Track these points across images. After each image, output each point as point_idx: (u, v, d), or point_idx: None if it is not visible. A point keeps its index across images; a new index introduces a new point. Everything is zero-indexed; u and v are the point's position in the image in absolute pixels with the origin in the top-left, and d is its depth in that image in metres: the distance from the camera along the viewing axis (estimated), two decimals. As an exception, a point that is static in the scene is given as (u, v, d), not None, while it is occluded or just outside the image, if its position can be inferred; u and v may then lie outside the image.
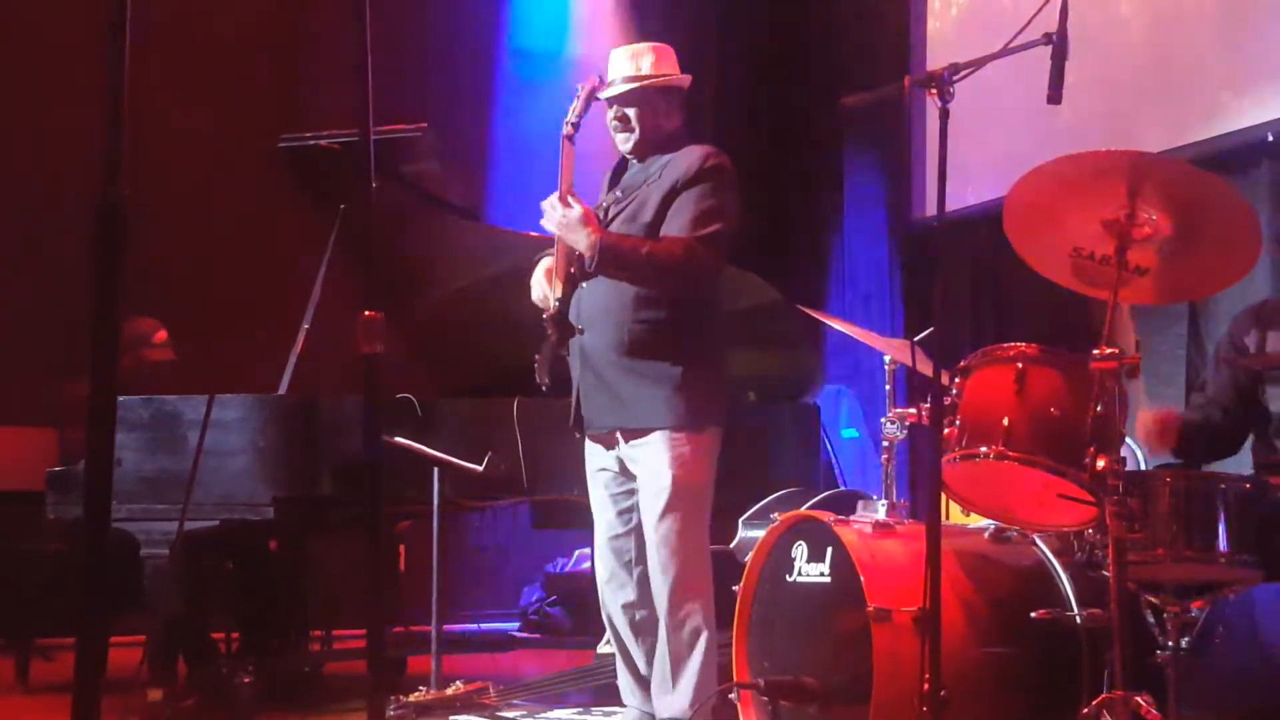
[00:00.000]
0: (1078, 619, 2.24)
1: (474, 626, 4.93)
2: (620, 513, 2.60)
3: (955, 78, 1.99)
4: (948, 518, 2.74)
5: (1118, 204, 2.03)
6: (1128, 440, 2.69)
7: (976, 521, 2.49)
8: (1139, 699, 1.95)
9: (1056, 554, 2.35)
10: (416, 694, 2.91)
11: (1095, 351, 2.03)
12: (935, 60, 5.03)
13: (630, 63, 2.58)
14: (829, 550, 2.32)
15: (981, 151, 4.70)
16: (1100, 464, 2.01)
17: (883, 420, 2.56)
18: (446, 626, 3.26)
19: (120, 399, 3.37)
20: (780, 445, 3.65)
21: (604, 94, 2.57)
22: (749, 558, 2.49)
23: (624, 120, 2.58)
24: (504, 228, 3.61)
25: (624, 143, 2.62)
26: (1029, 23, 1.99)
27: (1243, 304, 2.74)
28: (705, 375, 2.53)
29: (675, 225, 2.50)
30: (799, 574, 2.38)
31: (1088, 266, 2.10)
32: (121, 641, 3.66)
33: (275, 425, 3.18)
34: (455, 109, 5.21)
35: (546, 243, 2.64)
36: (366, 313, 1.42)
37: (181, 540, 3.10)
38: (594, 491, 2.65)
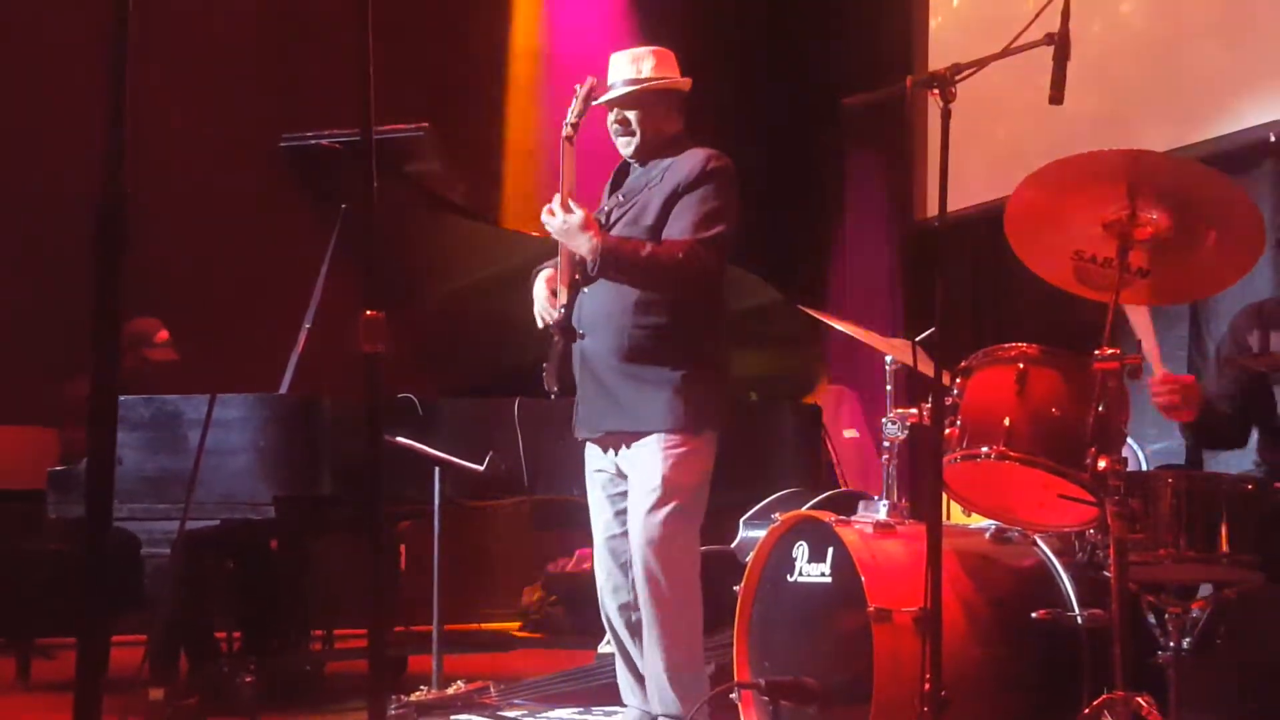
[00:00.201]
0: (1079, 619, 2.24)
1: (474, 628, 4.93)
2: (617, 513, 2.60)
3: (957, 78, 1.99)
4: (949, 518, 2.74)
5: (1119, 204, 2.03)
6: (1129, 441, 2.69)
7: (977, 522, 2.49)
8: (1140, 699, 1.95)
9: (1057, 554, 2.35)
10: (417, 693, 2.92)
11: (1096, 352, 2.03)
12: (938, 58, 5.03)
13: (630, 66, 2.58)
14: (830, 550, 2.32)
15: (983, 152, 4.70)
16: (1101, 464, 2.01)
17: (884, 420, 2.56)
18: (447, 626, 3.26)
19: (121, 398, 3.37)
20: (781, 445, 3.65)
21: (605, 98, 2.57)
22: (750, 558, 2.49)
23: (625, 124, 2.58)
24: (506, 228, 3.60)
25: (625, 146, 2.62)
26: (1031, 23, 1.99)
27: (1243, 304, 2.74)
28: (705, 379, 2.53)
29: (678, 228, 2.50)
30: (800, 574, 2.37)
31: (1089, 269, 2.09)
32: (123, 640, 3.66)
33: (276, 425, 3.18)
34: (462, 108, 5.22)
35: (550, 243, 2.64)
36: (368, 312, 1.42)
37: (183, 539, 3.10)
38: (592, 493, 2.65)
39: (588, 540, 2.72)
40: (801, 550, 2.38)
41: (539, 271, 2.67)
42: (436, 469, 3.11)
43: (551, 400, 2.66)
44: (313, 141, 3.32)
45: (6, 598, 3.69)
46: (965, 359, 2.27)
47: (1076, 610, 2.25)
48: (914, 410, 2.51)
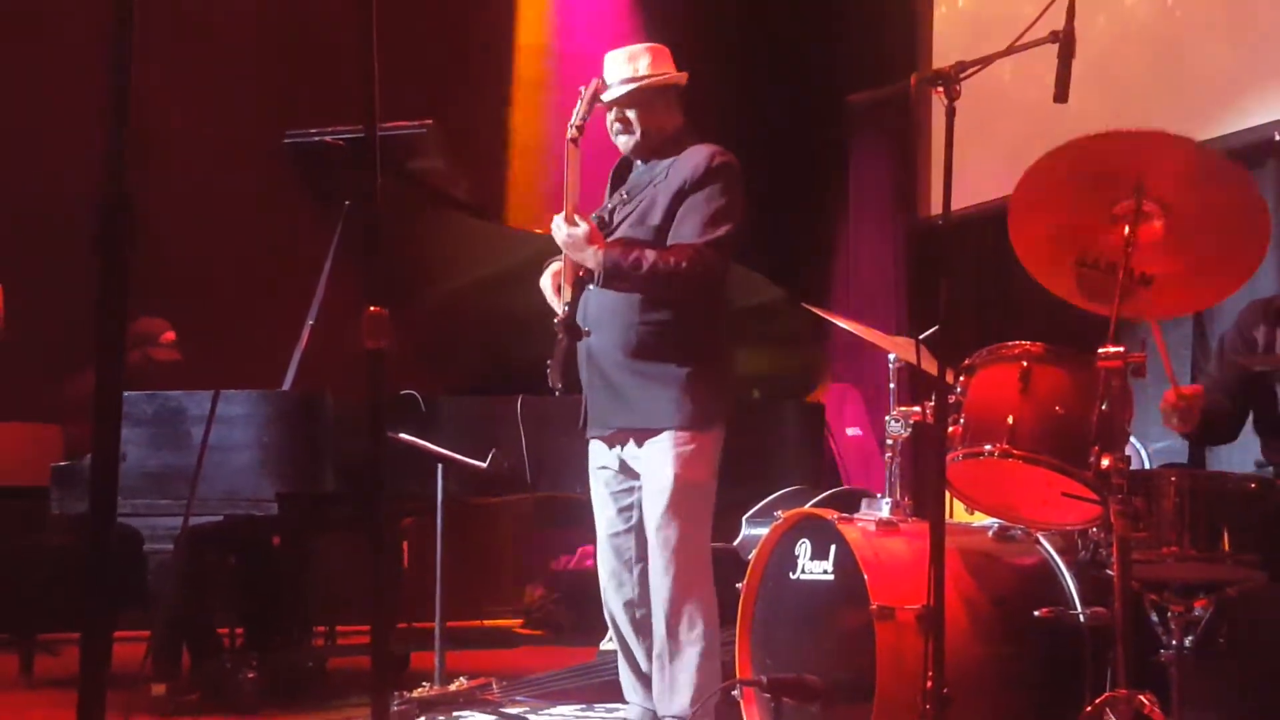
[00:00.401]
0: (1081, 618, 2.23)
1: (476, 624, 4.94)
2: (620, 510, 2.60)
3: (962, 75, 1.99)
4: (952, 516, 2.74)
5: (1122, 192, 2.02)
6: (1132, 440, 2.68)
7: (980, 520, 2.49)
8: (1142, 698, 1.95)
9: (1060, 553, 2.35)
10: (420, 689, 2.92)
11: (1100, 350, 2.02)
12: (942, 56, 5.02)
13: (627, 65, 2.58)
14: (832, 548, 2.32)
15: (987, 150, 4.69)
16: (1105, 463, 2.00)
17: (887, 418, 2.56)
18: (450, 623, 3.26)
19: (125, 394, 3.37)
20: (785, 443, 3.65)
21: (603, 97, 2.56)
22: (752, 555, 2.49)
23: (625, 122, 2.59)
24: (511, 225, 3.61)
25: (625, 145, 2.62)
26: (1036, 20, 1.98)
27: (1247, 300, 2.73)
28: (711, 375, 2.53)
29: (686, 229, 2.50)
30: (802, 572, 2.37)
31: (1092, 277, 2.09)
32: (125, 636, 3.67)
33: (279, 421, 3.18)
34: (468, 105, 5.21)
35: (553, 240, 2.64)
36: (371, 308, 1.42)
37: (185, 535, 3.10)
38: (595, 489, 2.65)
39: (590, 537, 2.72)
40: (804, 548, 2.38)
41: (548, 264, 2.67)
42: (439, 466, 3.11)
43: (554, 397, 2.66)
44: (316, 139, 3.32)
45: (10, 594, 3.69)
46: (969, 357, 2.27)
47: (1079, 609, 2.25)
48: (917, 408, 2.51)
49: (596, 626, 3.11)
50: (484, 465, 3.09)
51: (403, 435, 3.07)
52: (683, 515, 2.47)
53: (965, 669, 2.11)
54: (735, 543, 3.04)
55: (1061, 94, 1.98)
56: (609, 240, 2.53)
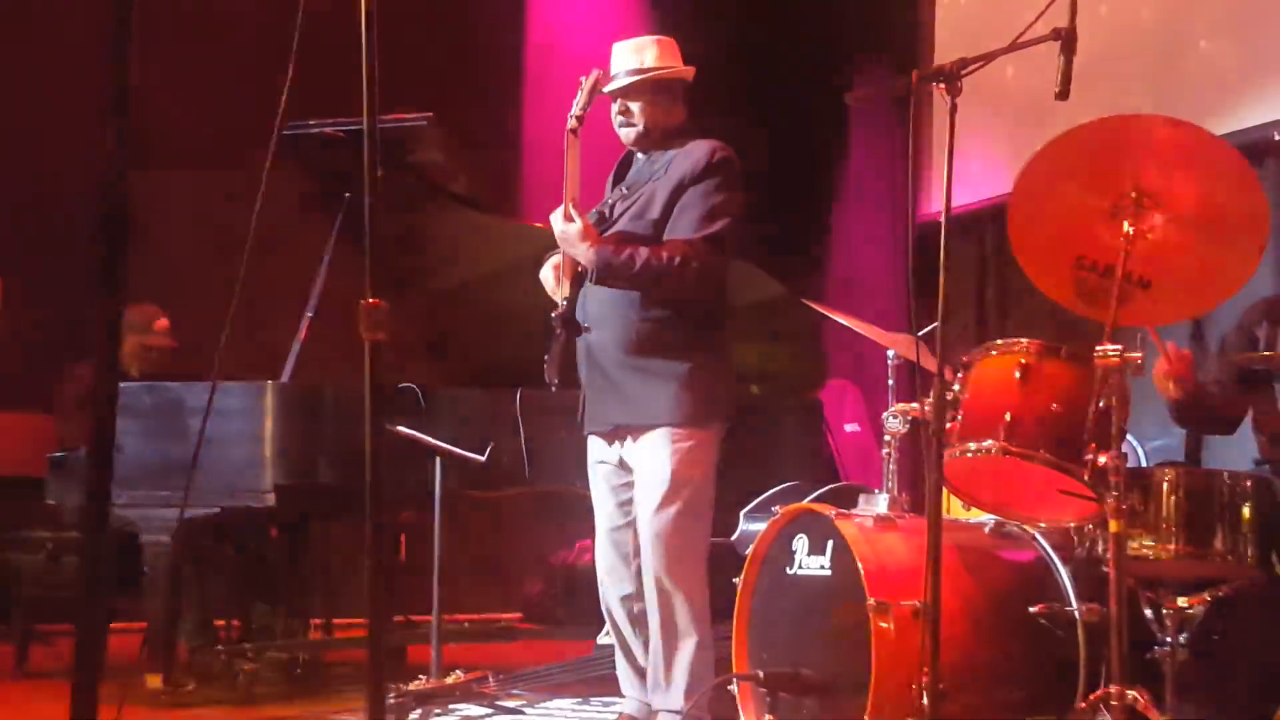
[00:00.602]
0: (1077, 614, 2.24)
1: (474, 618, 4.94)
2: (620, 505, 2.60)
3: (963, 72, 1.98)
4: (949, 512, 2.74)
5: (1121, 182, 2.01)
6: (1128, 438, 2.69)
7: (977, 516, 2.49)
8: (1136, 694, 1.96)
9: (1056, 549, 2.35)
10: (416, 682, 2.92)
11: (1098, 348, 2.03)
12: (943, 53, 5.01)
13: (633, 56, 2.57)
14: (830, 543, 2.32)
15: (988, 147, 4.69)
16: (1102, 460, 2.01)
17: (885, 415, 2.56)
18: (447, 616, 3.27)
19: (122, 385, 3.38)
20: (783, 439, 3.65)
21: (608, 88, 2.56)
22: (750, 550, 2.49)
23: (627, 114, 2.58)
24: (510, 219, 3.60)
25: (628, 137, 2.62)
26: (1038, 18, 1.98)
27: (1245, 298, 2.73)
28: (711, 372, 2.53)
29: (682, 224, 2.50)
30: (800, 567, 2.38)
31: (1090, 280, 2.09)
32: (121, 628, 3.68)
33: (277, 413, 3.18)
34: (479, 99, 5.20)
35: (553, 236, 2.64)
36: (369, 300, 1.42)
37: (182, 527, 3.10)
38: (594, 484, 2.65)
39: (589, 531, 2.73)
40: (801, 543, 2.38)
41: (548, 257, 2.67)
42: (438, 459, 3.11)
43: (553, 392, 2.66)
44: (316, 130, 3.31)
45: (5, 585, 3.69)
46: (967, 354, 2.27)
47: (1074, 605, 2.25)
48: (915, 405, 2.51)
49: (594, 620, 3.11)
50: (482, 459, 3.09)
51: (401, 428, 3.07)
52: (678, 511, 2.48)
53: (960, 664, 2.12)
54: (733, 538, 3.04)
55: (1063, 91, 1.98)
56: (604, 236, 2.53)
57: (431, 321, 3.74)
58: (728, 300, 2.64)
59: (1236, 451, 2.90)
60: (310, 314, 3.35)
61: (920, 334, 2.69)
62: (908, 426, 2.53)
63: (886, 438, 2.55)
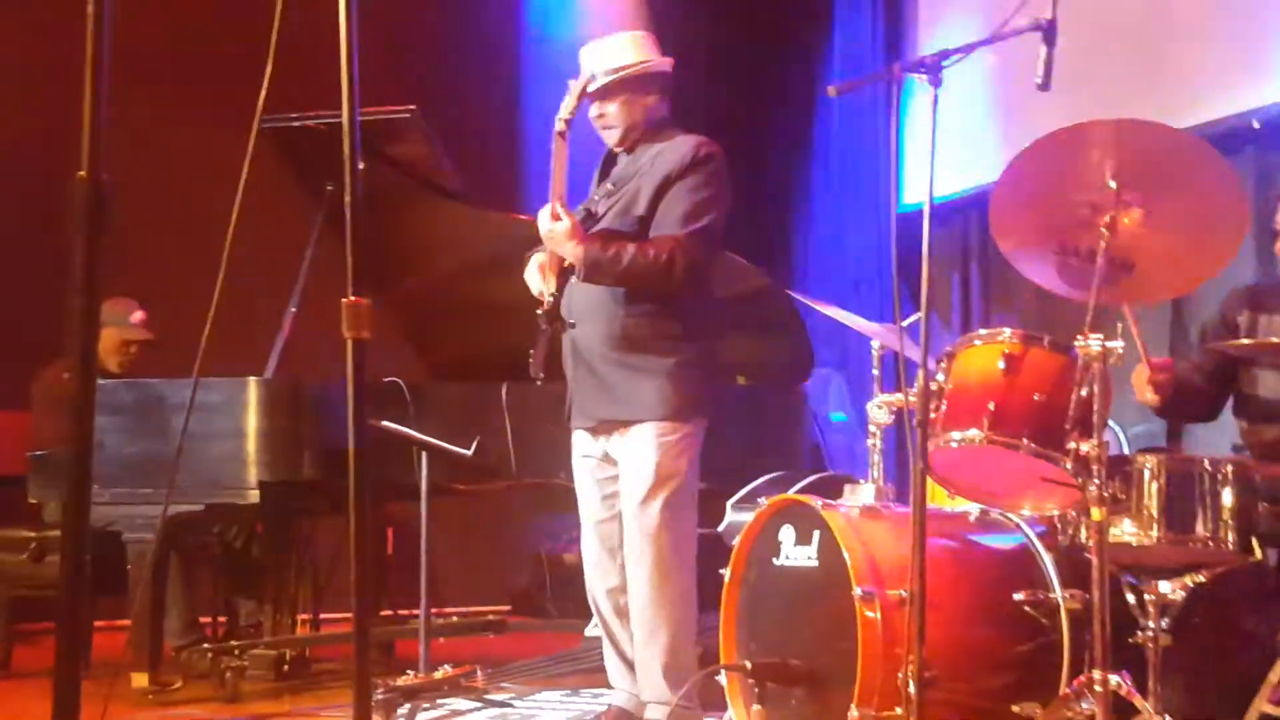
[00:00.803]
0: (1060, 601, 2.26)
1: (462, 610, 4.94)
2: (605, 498, 2.60)
3: (945, 63, 1.99)
4: (933, 501, 2.75)
5: (1101, 181, 2.03)
6: (1110, 423, 2.71)
7: (962, 505, 2.50)
8: (1118, 678, 1.97)
9: (1040, 537, 2.37)
10: (404, 677, 2.92)
11: (1079, 337, 2.04)
12: (926, 43, 5.02)
13: (607, 55, 2.56)
14: (816, 534, 2.33)
15: (970, 137, 4.70)
16: (1083, 448, 2.02)
17: (870, 405, 2.57)
18: (435, 610, 3.26)
19: (103, 382, 3.36)
20: (769, 429, 3.66)
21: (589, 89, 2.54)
22: (737, 541, 2.50)
23: (603, 116, 2.57)
24: (495, 211, 3.59)
25: (609, 139, 2.61)
26: (1019, 8, 1.98)
27: (1225, 288, 2.76)
28: (696, 366, 2.53)
29: (668, 221, 2.50)
30: (786, 557, 2.39)
31: (1071, 265, 2.10)
32: (107, 626, 3.66)
33: (261, 409, 3.17)
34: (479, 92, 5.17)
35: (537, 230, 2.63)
36: (351, 298, 1.42)
37: (166, 524, 3.08)
38: (579, 478, 2.65)
39: (575, 525, 2.73)
40: (788, 534, 2.39)
41: (531, 254, 2.66)
42: (424, 454, 3.10)
43: (540, 385, 2.66)
44: (297, 123, 3.29)
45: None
46: (951, 344, 2.28)
47: (1058, 592, 2.27)
48: (900, 395, 2.52)
49: (581, 613, 3.12)
50: (469, 453, 3.08)
51: (386, 423, 3.06)
52: (663, 504, 2.48)
53: (946, 652, 2.13)
54: (720, 528, 3.05)
55: (1045, 83, 1.99)
56: (591, 234, 2.53)
57: (417, 315, 3.73)
58: (715, 293, 2.64)
59: (1217, 435, 2.93)
60: (293, 308, 3.33)
61: (904, 324, 2.70)
62: (892, 416, 2.54)
63: (871, 428, 2.56)
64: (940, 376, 2.22)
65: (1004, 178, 2.13)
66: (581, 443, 2.64)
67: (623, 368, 2.52)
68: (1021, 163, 2.09)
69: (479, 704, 2.98)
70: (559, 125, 2.49)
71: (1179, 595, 2.11)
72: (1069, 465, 2.05)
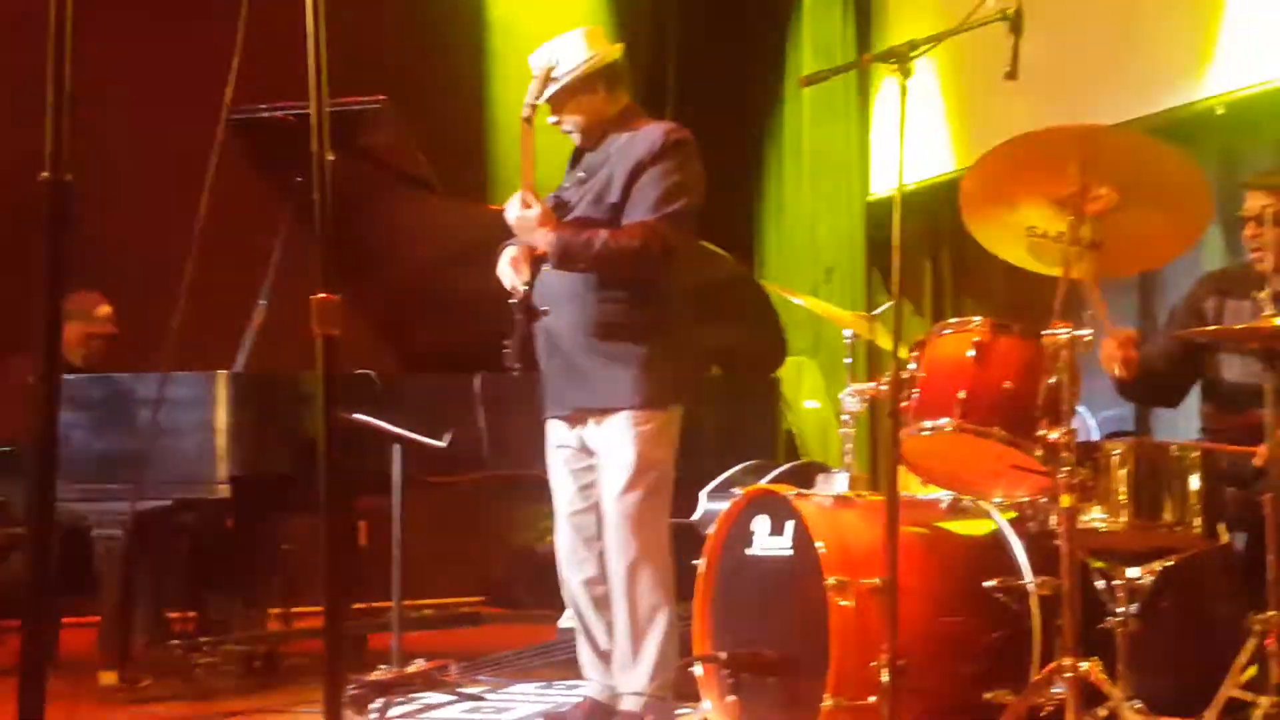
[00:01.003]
0: (1030, 587, 2.28)
1: (436, 602, 4.92)
2: (581, 488, 2.60)
3: (914, 53, 2.00)
4: (906, 489, 2.78)
5: (1069, 180, 2.06)
6: (1079, 408, 2.73)
7: (933, 492, 2.53)
8: (1089, 664, 2.00)
9: (1011, 524, 2.39)
10: (377, 672, 2.90)
11: (1044, 333, 2.06)
12: (895, 33, 5.03)
13: (551, 60, 2.53)
14: (789, 524, 2.34)
15: (940, 125, 4.72)
16: (1053, 435, 2.04)
17: (842, 394, 2.58)
18: (408, 602, 3.24)
19: (71, 376, 3.30)
20: (742, 418, 3.66)
21: (528, 100, 2.51)
22: (710, 531, 2.50)
23: (564, 121, 2.57)
24: (467, 201, 3.56)
25: (575, 138, 2.61)
26: (986, -2, 1.99)
27: (1193, 274, 2.80)
28: (670, 353, 2.53)
29: (640, 207, 2.49)
30: (760, 547, 2.39)
31: (1043, 245, 2.13)
32: (74, 623, 3.61)
33: (230, 403, 3.13)
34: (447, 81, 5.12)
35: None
36: (320, 294, 1.40)
37: (134, 520, 3.04)
38: (554, 468, 2.64)
39: (550, 516, 2.72)
40: (762, 524, 2.40)
41: (503, 247, 2.64)
42: (397, 445, 3.08)
43: (513, 376, 2.64)
44: (266, 115, 3.25)
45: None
46: (923, 333, 2.30)
47: (1028, 578, 2.29)
48: (872, 383, 2.53)
49: (556, 605, 3.11)
50: (442, 445, 3.06)
51: (358, 415, 3.04)
52: (640, 493, 2.48)
53: (919, 640, 2.15)
54: (694, 518, 3.05)
55: (1012, 72, 2.00)
56: (563, 221, 2.51)
57: (389, 307, 3.70)
58: (686, 281, 2.64)
59: (1184, 420, 2.97)
60: (263, 301, 3.30)
61: (876, 313, 2.71)
62: (865, 405, 2.55)
63: (844, 417, 2.57)
64: (912, 365, 2.23)
65: (970, 177, 2.15)
66: (556, 433, 2.63)
67: (597, 355, 2.51)
68: (989, 163, 2.11)
69: (453, 697, 2.97)
70: (526, 111, 2.47)
71: (1147, 580, 2.14)
72: (1039, 453, 2.07)
